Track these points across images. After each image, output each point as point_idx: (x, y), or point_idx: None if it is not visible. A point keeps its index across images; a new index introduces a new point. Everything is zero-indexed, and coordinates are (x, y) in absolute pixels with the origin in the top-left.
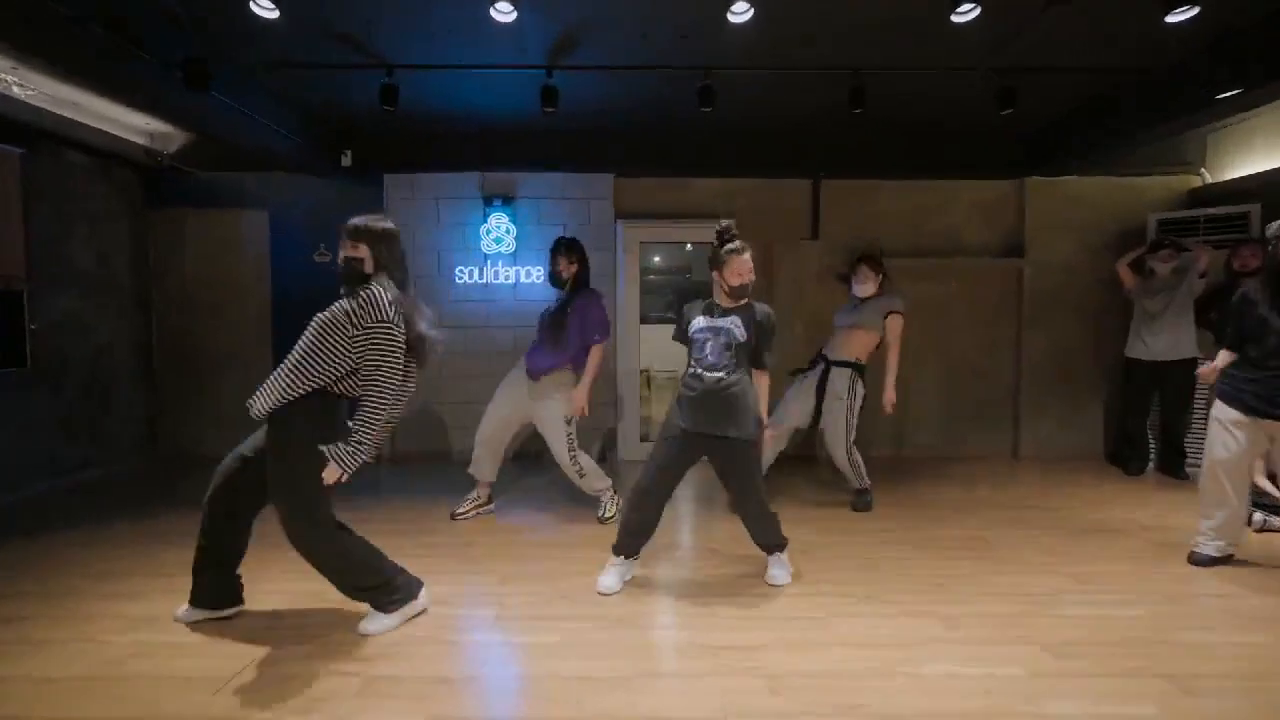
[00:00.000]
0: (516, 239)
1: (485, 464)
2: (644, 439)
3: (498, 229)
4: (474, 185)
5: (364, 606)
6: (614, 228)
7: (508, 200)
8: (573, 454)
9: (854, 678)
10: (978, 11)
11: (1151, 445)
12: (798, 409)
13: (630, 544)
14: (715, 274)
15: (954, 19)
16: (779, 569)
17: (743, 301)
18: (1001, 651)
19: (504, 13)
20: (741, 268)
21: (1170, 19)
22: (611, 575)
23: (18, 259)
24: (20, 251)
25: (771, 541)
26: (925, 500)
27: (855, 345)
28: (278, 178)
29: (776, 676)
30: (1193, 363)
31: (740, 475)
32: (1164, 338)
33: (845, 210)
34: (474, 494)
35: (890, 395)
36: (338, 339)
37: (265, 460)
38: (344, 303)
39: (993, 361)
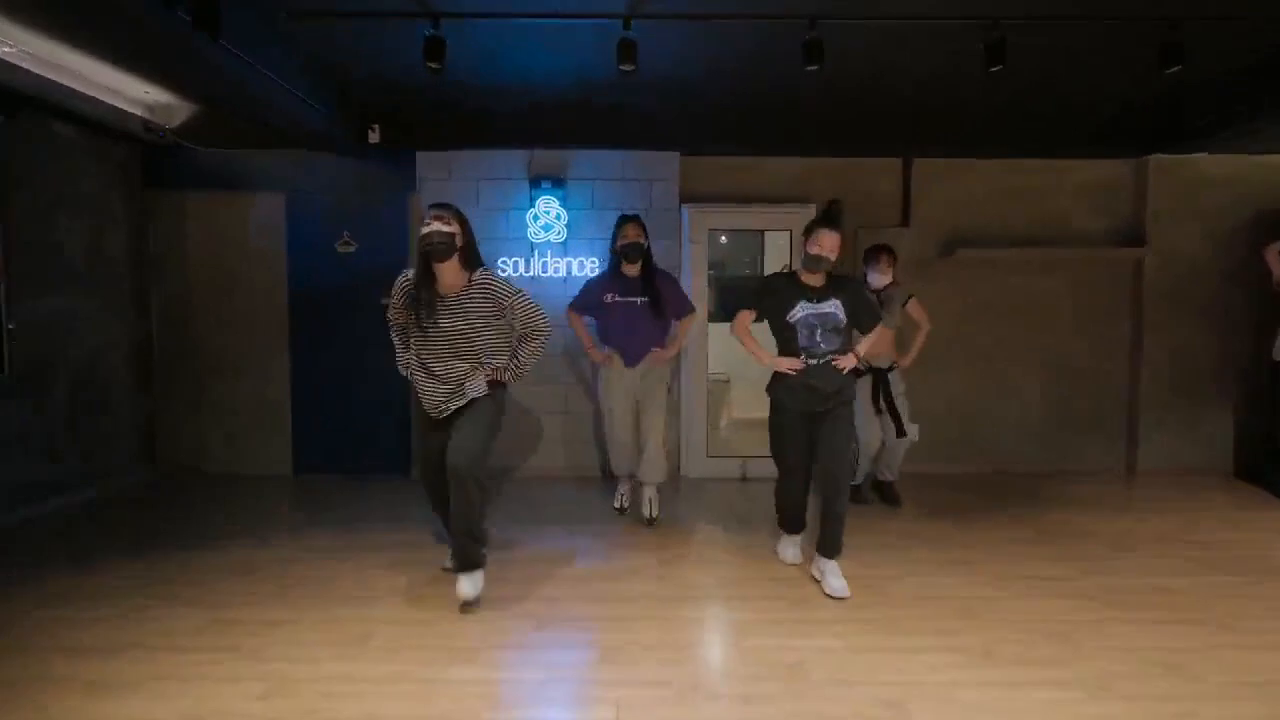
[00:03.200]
0: (567, 226)
1: (626, 462)
2: (713, 455)
3: (546, 215)
4: (520, 165)
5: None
6: (680, 213)
7: (558, 182)
8: (666, 421)
9: None
10: None
11: None
12: (874, 429)
13: (798, 521)
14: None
15: None
16: (838, 579)
17: (824, 277)
18: None
19: None
20: (824, 240)
21: None
22: (793, 548)
23: None
24: None
25: (838, 542)
26: (1071, 531)
27: (883, 343)
28: (295, 156)
29: None
30: None
31: (840, 435)
32: None
33: (939, 193)
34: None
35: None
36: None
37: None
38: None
39: (1105, 365)
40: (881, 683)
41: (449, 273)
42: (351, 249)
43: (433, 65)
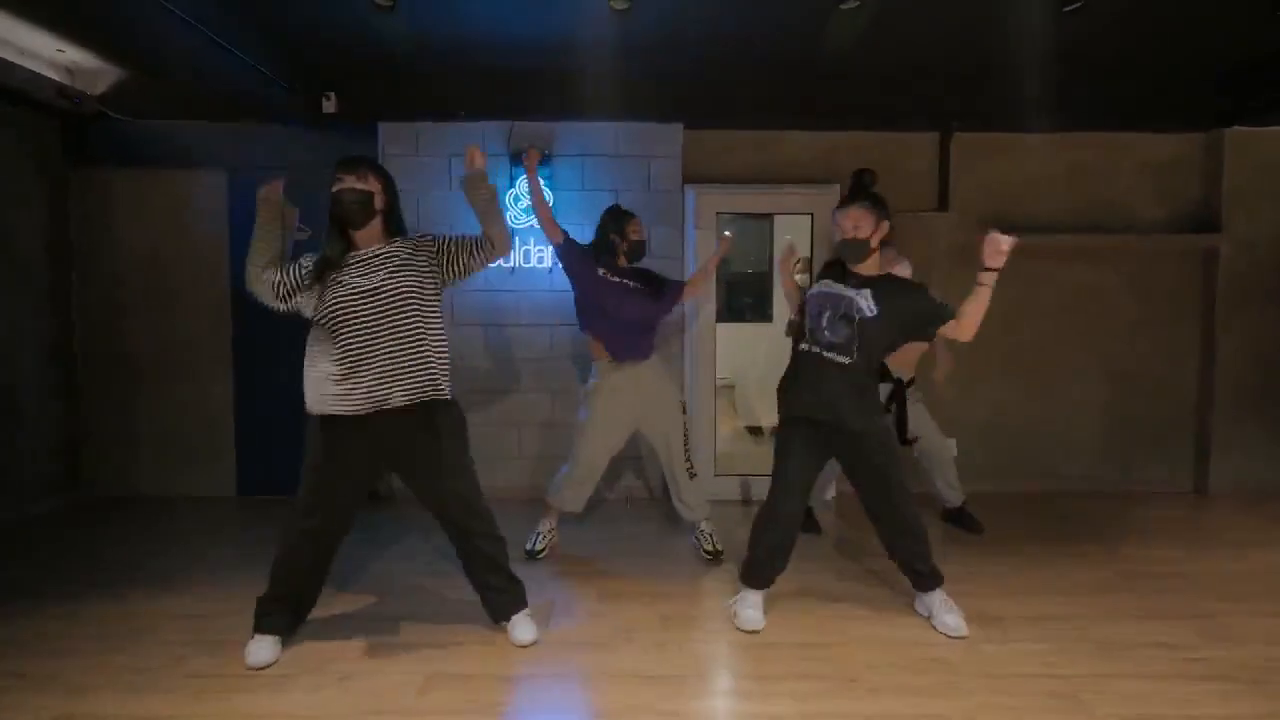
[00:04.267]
0: (554, 209)
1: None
2: (720, 474)
3: (530, 196)
4: (499, 138)
5: None
6: (683, 195)
7: (543, 158)
8: (688, 448)
9: None
10: None
11: None
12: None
13: (767, 570)
14: None
15: None
16: (952, 615)
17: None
18: None
19: None
20: (841, 220)
21: None
22: (754, 609)
23: None
24: None
25: (925, 573)
26: (1157, 573)
27: (909, 351)
28: (239, 128)
29: None
30: None
31: (881, 464)
32: None
33: (981, 172)
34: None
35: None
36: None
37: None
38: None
39: (1170, 371)
40: None
41: (368, 240)
42: (305, 235)
43: (383, 4)
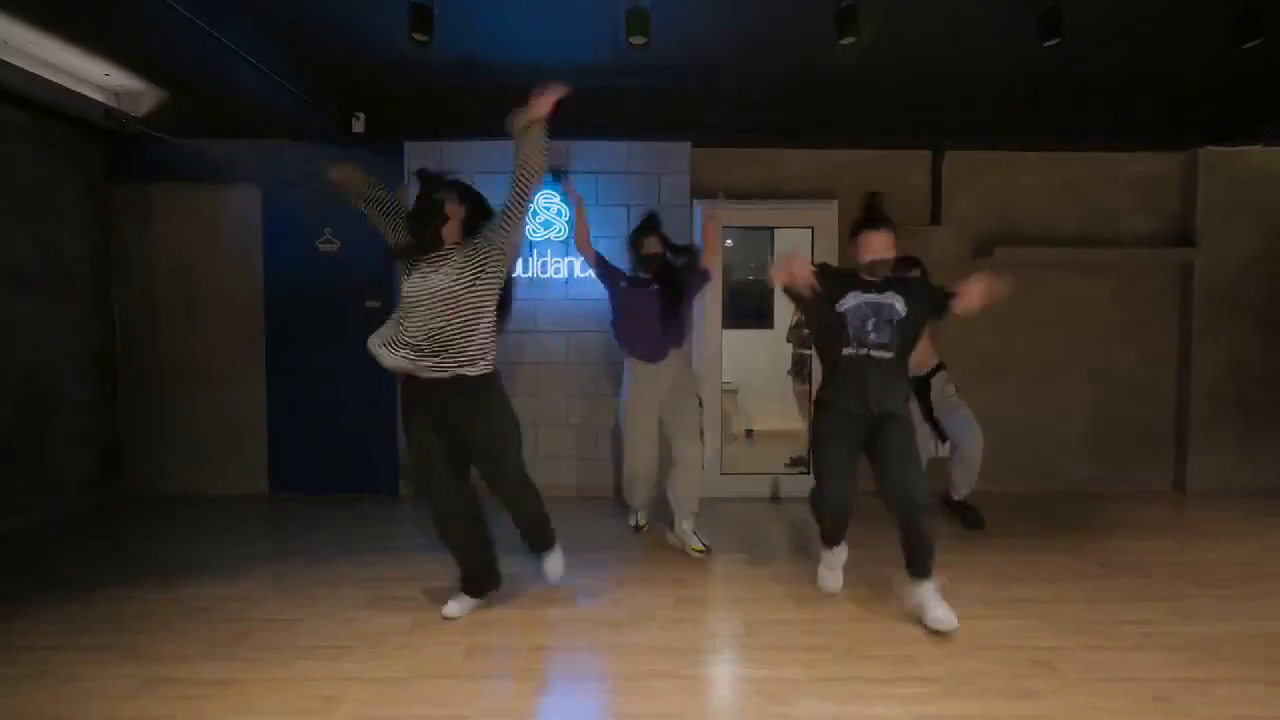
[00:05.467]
0: (570, 223)
1: (644, 494)
2: (727, 472)
3: (547, 211)
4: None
5: None
6: (691, 209)
7: (559, 174)
8: (702, 434)
9: None
10: None
11: None
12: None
13: (839, 527)
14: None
15: None
16: (941, 609)
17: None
18: None
19: None
20: (873, 242)
21: None
22: (835, 571)
23: None
24: None
25: (926, 561)
26: (1137, 562)
27: (922, 350)
28: (273, 146)
29: None
30: None
31: (903, 447)
32: None
33: (973, 188)
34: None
35: None
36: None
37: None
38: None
39: (1153, 377)
40: None
41: (448, 237)
42: (334, 247)
43: (419, 37)
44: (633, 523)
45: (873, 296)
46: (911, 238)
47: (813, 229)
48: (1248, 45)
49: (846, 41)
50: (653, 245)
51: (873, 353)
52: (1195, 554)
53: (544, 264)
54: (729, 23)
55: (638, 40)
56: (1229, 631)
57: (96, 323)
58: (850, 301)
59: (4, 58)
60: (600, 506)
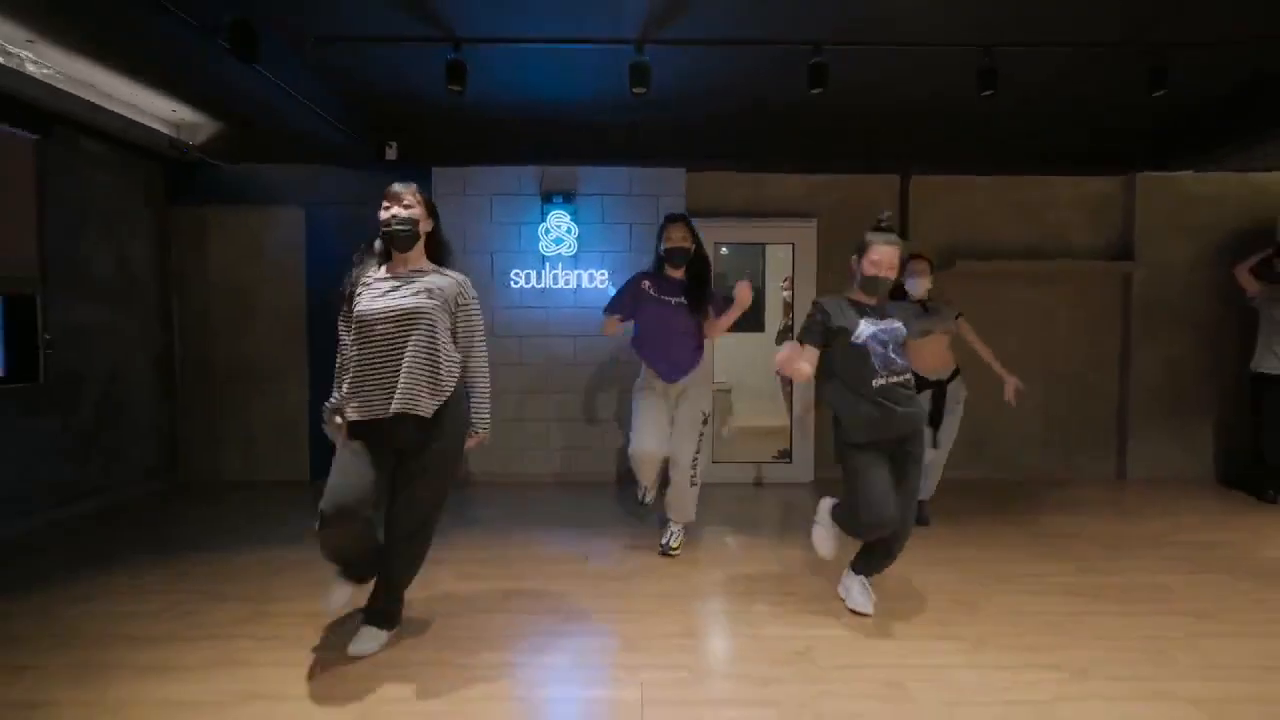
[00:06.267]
0: (578, 240)
1: (653, 473)
2: (717, 461)
3: (558, 228)
4: (532, 180)
5: None
6: None
7: (568, 197)
8: (697, 456)
9: None
10: None
11: None
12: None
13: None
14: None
15: None
16: (865, 596)
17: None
18: None
19: None
20: (885, 256)
21: None
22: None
23: (30, 259)
24: (34, 251)
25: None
26: (1063, 534)
27: (941, 351)
28: (314, 171)
29: None
30: None
31: (916, 475)
32: None
33: (936, 208)
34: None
35: (1014, 380)
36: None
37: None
38: (448, 279)
39: (1097, 376)
40: (884, 665)
41: (412, 262)
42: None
43: (455, 88)
44: (640, 496)
45: (885, 324)
46: None
47: (794, 245)
48: (1155, 94)
49: (816, 91)
50: (680, 236)
51: (896, 378)
52: (1113, 527)
53: (555, 276)
54: (712, 72)
55: (640, 90)
56: (1116, 581)
57: (159, 329)
58: (865, 330)
59: (94, 100)
60: (602, 491)
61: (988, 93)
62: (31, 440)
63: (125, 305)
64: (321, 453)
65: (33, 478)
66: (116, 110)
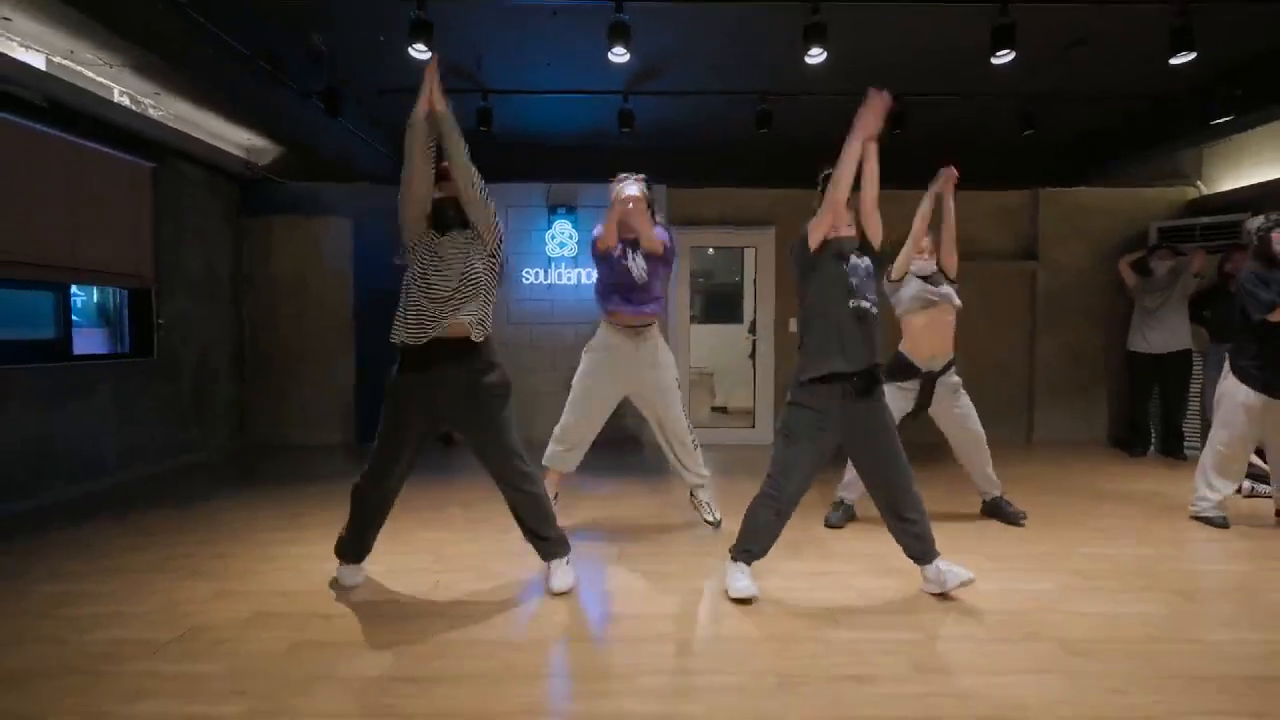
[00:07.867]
0: (578, 244)
1: (572, 459)
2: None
3: (561, 234)
4: (540, 195)
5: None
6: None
7: (570, 209)
8: (688, 419)
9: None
10: (1013, 56)
11: (1153, 430)
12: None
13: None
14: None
15: (993, 61)
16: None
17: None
18: (1042, 576)
19: (619, 55)
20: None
21: (1174, 61)
22: (746, 578)
23: (148, 262)
24: (150, 256)
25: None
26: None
27: (944, 335)
28: (361, 189)
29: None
30: (1188, 354)
31: (891, 438)
32: (1162, 332)
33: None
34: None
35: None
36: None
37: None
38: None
39: (1010, 358)
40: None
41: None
42: (405, 261)
43: (484, 129)
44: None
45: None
46: None
47: (756, 249)
48: (1026, 133)
49: (762, 131)
50: (634, 188)
51: (870, 305)
52: (1011, 471)
53: (559, 274)
54: (686, 113)
55: (626, 130)
56: (1006, 534)
57: (233, 319)
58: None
59: (188, 131)
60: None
61: (896, 131)
62: (154, 404)
63: (210, 300)
64: (368, 422)
65: (152, 433)
66: (206, 139)
